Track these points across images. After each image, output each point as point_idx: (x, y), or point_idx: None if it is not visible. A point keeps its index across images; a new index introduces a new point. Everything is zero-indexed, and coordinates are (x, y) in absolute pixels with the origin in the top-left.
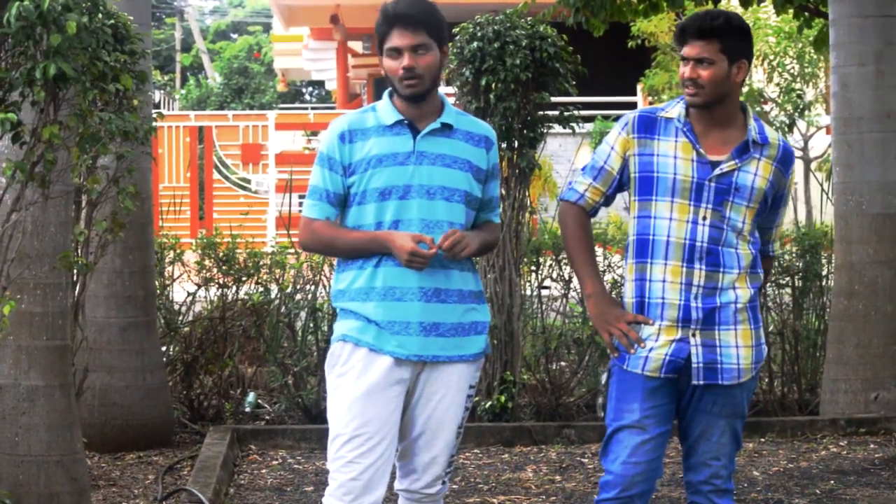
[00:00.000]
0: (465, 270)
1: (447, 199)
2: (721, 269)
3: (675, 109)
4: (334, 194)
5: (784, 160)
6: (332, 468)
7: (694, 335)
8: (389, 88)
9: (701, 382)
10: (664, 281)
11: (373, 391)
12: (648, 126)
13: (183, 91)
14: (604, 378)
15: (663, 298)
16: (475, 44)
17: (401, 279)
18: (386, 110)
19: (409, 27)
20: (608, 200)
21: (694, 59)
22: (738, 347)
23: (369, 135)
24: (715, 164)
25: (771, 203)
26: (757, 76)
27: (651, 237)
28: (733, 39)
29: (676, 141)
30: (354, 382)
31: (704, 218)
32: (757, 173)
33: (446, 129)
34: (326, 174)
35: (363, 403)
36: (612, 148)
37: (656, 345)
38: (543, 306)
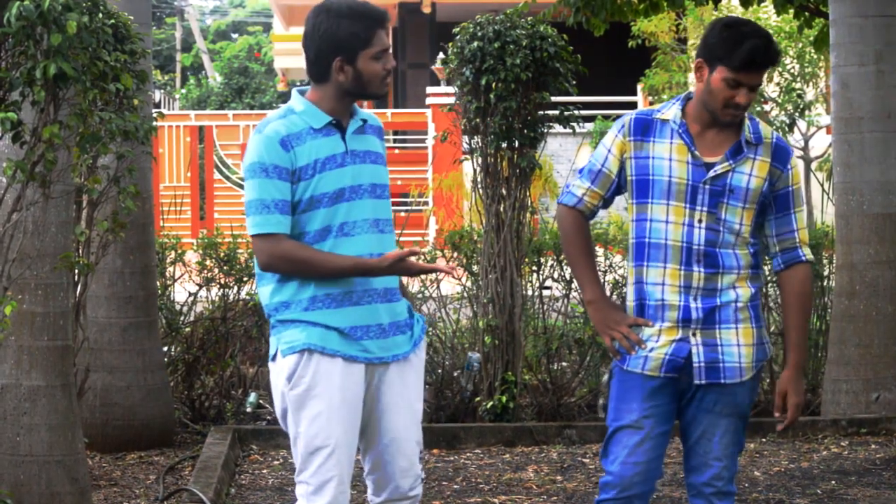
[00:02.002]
0: None
1: (379, 197)
2: (720, 271)
3: (671, 111)
4: (287, 204)
5: (778, 156)
6: (315, 483)
7: (694, 335)
8: (300, 88)
9: (703, 382)
10: (663, 284)
11: (349, 399)
12: (644, 128)
13: (183, 91)
14: (605, 379)
15: (663, 301)
16: (475, 43)
17: (357, 283)
18: (311, 112)
19: (386, 26)
20: (606, 203)
21: (750, 86)
22: (739, 346)
23: (304, 139)
24: (709, 166)
25: (777, 203)
26: None
27: (647, 240)
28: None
29: (672, 143)
30: (329, 392)
31: (700, 220)
32: (752, 174)
33: (363, 124)
34: (274, 183)
35: (343, 413)
36: (609, 150)
37: (656, 345)
38: (545, 307)
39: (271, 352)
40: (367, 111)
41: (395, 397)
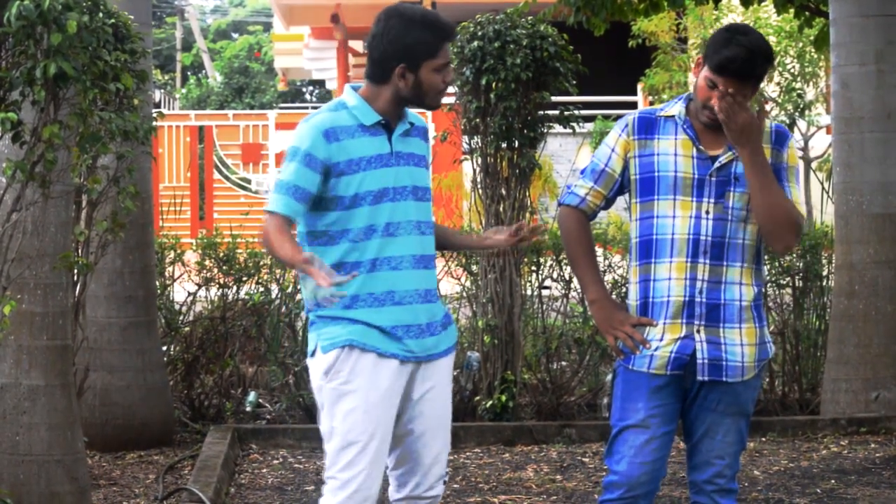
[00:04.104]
0: (435, 268)
1: (420, 199)
2: (725, 263)
3: (674, 108)
4: (307, 193)
5: (777, 139)
6: (343, 478)
7: (698, 331)
8: (353, 84)
9: (706, 379)
10: (669, 279)
11: (386, 396)
12: (648, 127)
13: (183, 90)
14: (608, 379)
15: (668, 297)
16: (476, 43)
17: (399, 283)
18: (362, 110)
19: (453, 42)
20: (608, 203)
21: (727, 93)
22: (742, 346)
23: (352, 134)
24: (714, 159)
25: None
26: None
27: (654, 237)
28: (765, 72)
29: (676, 138)
30: (368, 389)
31: (707, 212)
32: None
33: (410, 128)
34: (302, 171)
35: (379, 410)
36: (613, 150)
37: (661, 343)
38: (544, 306)
39: (310, 348)
40: (412, 112)
41: (429, 395)
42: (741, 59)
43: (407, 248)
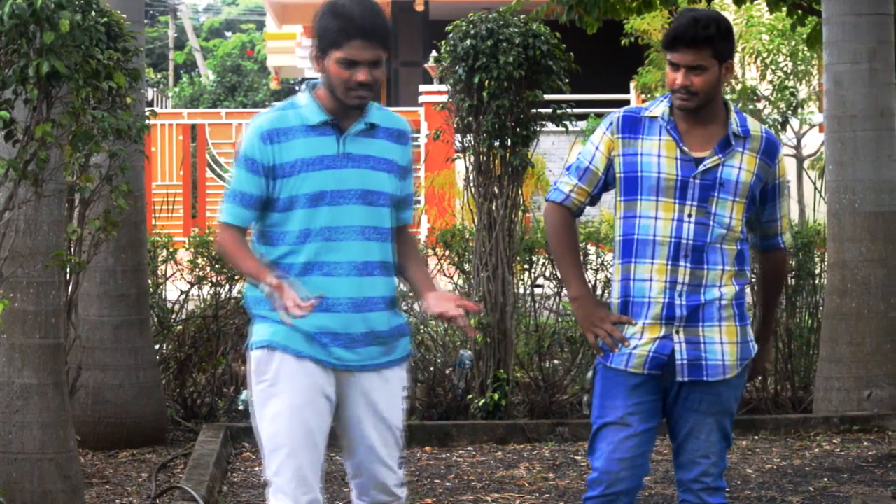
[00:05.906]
0: (390, 276)
1: (372, 204)
2: (705, 267)
3: (658, 108)
4: (252, 197)
5: (768, 151)
6: (277, 483)
7: (678, 332)
8: (309, 82)
9: (685, 379)
10: (650, 280)
11: (311, 401)
12: (633, 126)
13: (176, 89)
14: (589, 376)
15: (648, 297)
16: (468, 41)
17: (332, 289)
18: (310, 109)
19: (373, 41)
20: (593, 200)
21: (686, 67)
22: (722, 344)
23: (294, 135)
24: (699, 161)
25: (763, 196)
26: (750, 74)
27: (636, 237)
28: (723, 43)
29: (660, 139)
30: (290, 391)
31: (690, 215)
32: (741, 167)
33: (370, 128)
34: (245, 176)
35: (305, 414)
36: (597, 148)
37: (640, 342)
38: (536, 305)
39: (248, 342)
40: (389, 112)
41: (365, 408)
42: (685, 24)
43: (347, 254)
